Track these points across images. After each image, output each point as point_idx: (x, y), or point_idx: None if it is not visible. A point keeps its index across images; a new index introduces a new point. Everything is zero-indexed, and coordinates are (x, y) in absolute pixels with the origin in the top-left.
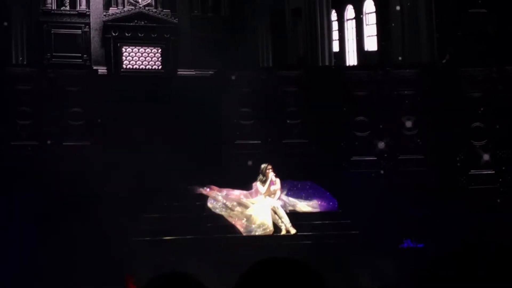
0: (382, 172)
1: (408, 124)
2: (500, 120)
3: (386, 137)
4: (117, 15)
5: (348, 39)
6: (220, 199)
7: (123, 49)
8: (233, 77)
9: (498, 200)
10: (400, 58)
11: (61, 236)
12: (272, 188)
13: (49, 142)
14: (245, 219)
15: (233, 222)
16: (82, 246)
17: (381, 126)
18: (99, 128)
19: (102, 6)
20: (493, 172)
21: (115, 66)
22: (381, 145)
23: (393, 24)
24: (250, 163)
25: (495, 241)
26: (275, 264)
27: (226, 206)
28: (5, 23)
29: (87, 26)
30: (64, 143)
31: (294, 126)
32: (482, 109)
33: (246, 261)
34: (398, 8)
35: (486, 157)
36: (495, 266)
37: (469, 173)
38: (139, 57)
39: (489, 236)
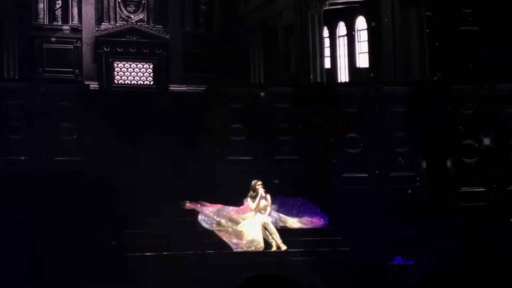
0: (373, 189)
1: (399, 141)
2: (490, 137)
3: (377, 154)
4: (109, 30)
5: (339, 56)
6: (211, 215)
7: (115, 64)
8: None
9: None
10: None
11: (48, 246)
12: (262, 204)
13: (39, 157)
14: (235, 235)
15: (224, 238)
16: (72, 261)
17: (372, 143)
18: (89, 143)
19: (94, 21)
20: (484, 189)
21: (107, 81)
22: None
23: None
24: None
25: (485, 259)
26: (266, 280)
27: (217, 222)
28: None
29: (79, 41)
30: (55, 158)
31: (286, 143)
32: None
33: (237, 278)
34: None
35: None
36: (484, 284)
37: (460, 190)
38: (131, 73)
39: (480, 254)
